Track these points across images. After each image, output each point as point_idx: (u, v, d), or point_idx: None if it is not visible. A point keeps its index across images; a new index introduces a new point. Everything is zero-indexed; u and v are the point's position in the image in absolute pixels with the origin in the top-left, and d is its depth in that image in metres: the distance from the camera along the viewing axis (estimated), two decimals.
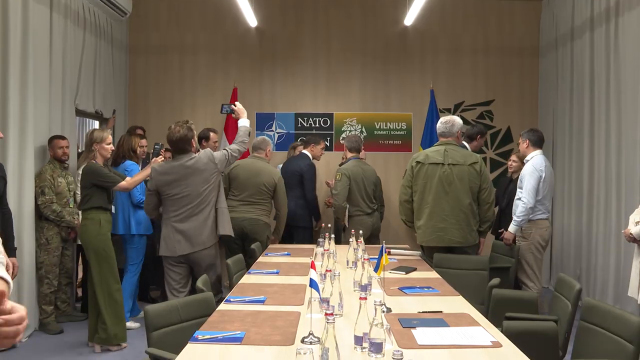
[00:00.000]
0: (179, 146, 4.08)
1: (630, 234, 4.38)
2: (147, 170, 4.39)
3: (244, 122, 4.43)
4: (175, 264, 4.15)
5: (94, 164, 4.41)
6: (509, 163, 5.80)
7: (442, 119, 4.70)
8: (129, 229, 5.20)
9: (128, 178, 4.53)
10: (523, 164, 5.70)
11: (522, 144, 5.01)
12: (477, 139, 5.67)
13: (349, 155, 5.76)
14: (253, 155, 5.44)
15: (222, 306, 2.86)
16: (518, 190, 4.88)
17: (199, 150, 4.37)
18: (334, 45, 7.60)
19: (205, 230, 4.10)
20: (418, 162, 4.50)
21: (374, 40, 7.60)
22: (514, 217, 4.77)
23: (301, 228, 5.91)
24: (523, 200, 4.71)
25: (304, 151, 6.11)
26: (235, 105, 4.51)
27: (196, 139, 4.27)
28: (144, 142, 5.51)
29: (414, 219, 4.58)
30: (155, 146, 4.69)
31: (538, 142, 4.98)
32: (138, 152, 5.40)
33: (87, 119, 7.76)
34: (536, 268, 4.84)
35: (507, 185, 5.79)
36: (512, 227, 4.77)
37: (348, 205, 5.50)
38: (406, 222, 4.73)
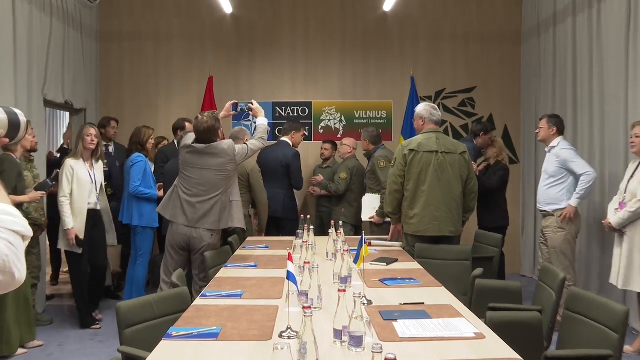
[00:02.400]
0: (206, 137, 4.16)
1: (610, 224, 4.44)
2: (28, 197, 4.55)
3: (262, 121, 4.51)
4: (176, 249, 4.23)
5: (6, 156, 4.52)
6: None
7: (429, 105, 4.60)
8: (131, 219, 5.39)
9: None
10: (500, 150, 5.81)
11: (546, 129, 5.03)
12: (481, 136, 5.80)
13: (372, 147, 5.89)
14: None
15: (198, 301, 2.83)
16: (547, 176, 4.98)
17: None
18: (312, 32, 7.55)
19: (212, 216, 4.15)
20: (412, 150, 4.38)
21: (353, 26, 7.56)
22: (578, 191, 4.78)
23: (289, 220, 5.85)
24: (587, 172, 4.75)
25: (284, 139, 6.02)
26: (252, 104, 4.60)
27: (222, 130, 4.39)
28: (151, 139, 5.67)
29: (406, 209, 4.43)
30: (47, 181, 4.73)
31: (563, 130, 5.08)
32: (148, 145, 5.51)
33: (59, 111, 7.62)
34: (573, 259, 4.92)
35: (485, 171, 5.85)
36: (574, 201, 4.80)
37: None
38: (390, 214, 4.58)
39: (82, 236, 4.86)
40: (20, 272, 1.23)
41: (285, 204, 5.77)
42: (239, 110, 4.62)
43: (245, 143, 4.35)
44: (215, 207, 4.15)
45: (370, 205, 5.61)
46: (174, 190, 4.26)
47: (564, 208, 4.88)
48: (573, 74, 6.04)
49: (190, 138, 4.29)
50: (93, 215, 5.01)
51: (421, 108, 4.57)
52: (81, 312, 5.12)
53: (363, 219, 5.74)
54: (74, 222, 4.82)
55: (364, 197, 5.82)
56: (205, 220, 4.14)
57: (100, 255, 5.17)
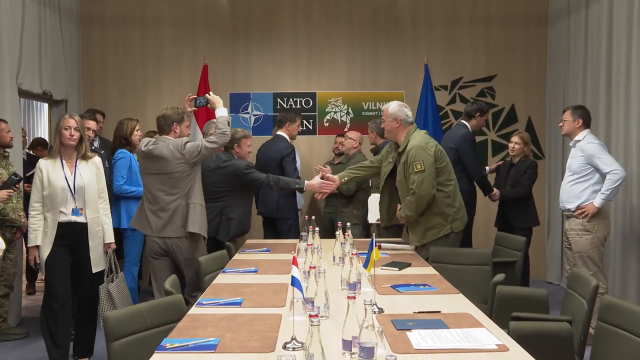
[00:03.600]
0: (159, 125, 4.41)
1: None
2: None
3: (221, 112, 4.48)
4: (155, 256, 4.38)
5: None
6: (511, 146, 5.84)
7: (402, 105, 4.69)
8: (120, 222, 5.40)
9: None
10: (526, 145, 5.76)
11: (571, 122, 5.02)
12: (477, 117, 5.72)
13: (381, 140, 5.96)
14: None
15: (194, 310, 2.85)
16: (571, 173, 4.98)
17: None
18: (316, 15, 7.56)
19: (174, 222, 4.28)
20: (436, 147, 4.56)
21: (360, 9, 7.57)
22: (603, 191, 4.75)
23: (286, 220, 5.87)
24: (614, 171, 4.73)
25: (280, 132, 6.03)
26: (209, 95, 4.62)
27: (183, 125, 4.45)
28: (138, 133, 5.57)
29: (446, 206, 4.52)
30: (12, 177, 4.77)
31: (589, 123, 5.06)
32: (133, 139, 5.47)
33: (36, 102, 7.64)
34: (601, 265, 4.90)
35: (507, 171, 5.83)
36: (598, 201, 4.78)
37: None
38: (411, 217, 4.57)
39: (44, 255, 4.22)
40: None
41: (279, 203, 5.80)
42: (197, 105, 4.69)
43: (202, 140, 4.38)
44: (176, 213, 4.27)
45: (376, 206, 5.63)
46: (142, 200, 4.47)
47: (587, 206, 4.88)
48: (607, 60, 5.94)
49: (143, 142, 4.44)
50: (69, 231, 4.27)
51: (395, 108, 4.63)
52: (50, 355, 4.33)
53: (370, 221, 5.76)
54: (42, 238, 4.23)
55: (370, 197, 5.84)
56: (168, 228, 4.28)
57: (84, 282, 4.38)
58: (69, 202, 4.26)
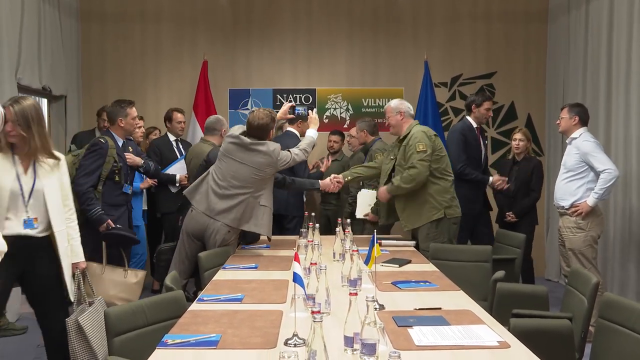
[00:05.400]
0: (258, 133, 4.39)
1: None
2: None
3: (312, 133, 4.82)
4: (190, 236, 4.40)
5: None
6: (515, 143, 5.78)
7: (403, 101, 5.04)
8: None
9: None
10: (529, 142, 5.73)
11: (568, 119, 5.02)
12: (473, 109, 5.64)
13: (371, 138, 6.03)
14: (202, 139, 5.57)
15: (195, 306, 2.85)
16: (565, 170, 5.01)
17: None
18: (316, 11, 7.55)
19: (233, 212, 4.30)
20: (437, 136, 4.86)
21: (361, 6, 7.56)
22: (597, 190, 4.76)
23: (293, 217, 5.86)
24: (608, 170, 4.73)
25: (290, 129, 5.99)
26: (311, 113, 4.91)
27: (274, 130, 4.62)
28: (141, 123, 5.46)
29: (444, 192, 4.79)
30: None
31: (586, 121, 5.05)
32: (134, 134, 5.32)
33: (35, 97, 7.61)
34: (595, 263, 4.92)
35: (510, 168, 5.80)
36: (591, 200, 4.79)
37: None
38: (401, 190, 4.79)
39: None
40: None
41: (289, 200, 5.73)
42: (296, 114, 4.81)
43: (289, 151, 4.52)
44: (240, 205, 4.30)
45: (365, 202, 5.65)
46: (206, 177, 4.47)
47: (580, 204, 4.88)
48: (608, 57, 5.93)
49: (237, 129, 4.51)
50: (23, 246, 3.29)
51: (397, 102, 4.99)
52: None
53: (357, 216, 5.74)
54: None
55: (359, 193, 5.84)
56: (226, 214, 4.30)
57: (49, 310, 3.51)
58: (17, 211, 3.29)
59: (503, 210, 5.80)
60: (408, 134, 4.79)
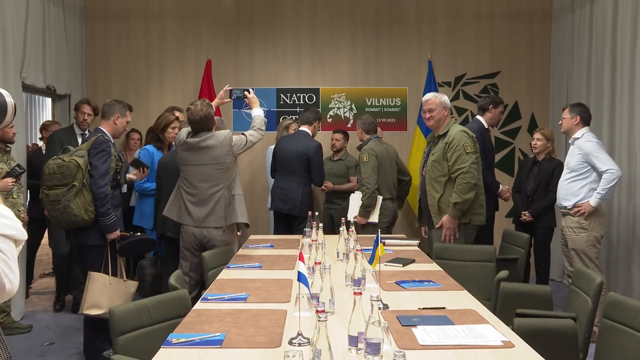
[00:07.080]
0: (203, 125, 4.31)
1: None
2: None
3: (258, 112, 4.63)
4: (191, 249, 4.39)
5: None
6: (533, 142, 5.77)
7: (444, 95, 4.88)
8: (133, 220, 5.46)
9: None
10: (549, 142, 5.69)
11: (569, 119, 5.02)
12: (490, 110, 5.57)
13: (366, 136, 5.96)
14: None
15: (199, 305, 2.85)
16: (568, 170, 4.98)
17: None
18: (319, 10, 7.56)
19: (216, 212, 4.31)
20: (474, 135, 4.74)
21: (364, 5, 7.56)
22: (599, 190, 4.76)
23: (303, 219, 5.83)
24: (610, 170, 4.73)
25: (304, 128, 5.94)
26: (248, 92, 4.69)
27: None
28: (176, 123, 5.29)
29: (477, 198, 4.67)
30: (16, 167, 4.77)
31: (588, 120, 5.04)
32: (166, 135, 5.27)
33: (39, 97, 7.64)
34: (598, 263, 4.91)
35: (530, 168, 5.79)
36: (594, 200, 4.79)
37: (380, 197, 5.62)
38: (465, 204, 4.60)
39: None
40: (12, 282, 1.18)
41: (303, 201, 5.71)
42: (234, 97, 4.72)
43: (243, 134, 4.43)
44: (219, 203, 4.30)
45: (356, 204, 5.67)
46: (177, 190, 4.45)
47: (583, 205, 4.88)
48: (612, 57, 5.93)
49: (183, 133, 4.41)
50: None
51: (444, 98, 4.82)
52: None
53: (348, 218, 5.73)
54: None
55: (351, 195, 5.89)
56: (212, 218, 4.31)
57: None
58: None
59: (520, 210, 5.79)
60: (447, 131, 4.68)
